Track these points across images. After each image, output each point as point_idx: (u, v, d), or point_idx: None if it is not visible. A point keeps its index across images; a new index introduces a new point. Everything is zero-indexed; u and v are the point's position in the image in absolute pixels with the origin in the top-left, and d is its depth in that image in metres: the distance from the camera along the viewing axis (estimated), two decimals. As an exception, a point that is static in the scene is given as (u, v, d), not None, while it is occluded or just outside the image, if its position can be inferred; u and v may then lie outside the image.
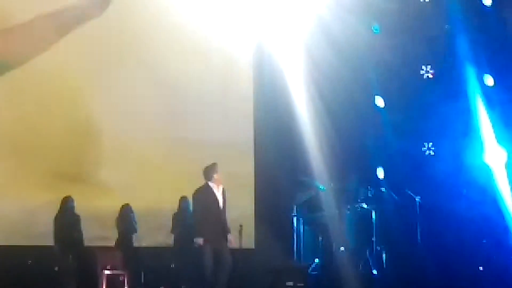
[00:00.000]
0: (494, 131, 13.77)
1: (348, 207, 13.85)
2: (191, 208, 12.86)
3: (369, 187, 13.99)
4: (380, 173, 14.60)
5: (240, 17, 15.52)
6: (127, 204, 13.99)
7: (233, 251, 12.40)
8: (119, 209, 14.05)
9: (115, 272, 13.47)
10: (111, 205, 14.33)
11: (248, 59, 15.70)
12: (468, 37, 14.01)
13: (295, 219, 14.15)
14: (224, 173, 12.65)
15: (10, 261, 13.89)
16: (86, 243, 13.81)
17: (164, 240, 14.45)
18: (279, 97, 15.06)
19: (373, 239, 13.44)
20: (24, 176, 14.71)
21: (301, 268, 13.35)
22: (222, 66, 15.44)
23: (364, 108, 14.73)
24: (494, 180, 13.50)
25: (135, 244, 14.04)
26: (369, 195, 13.94)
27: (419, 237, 13.41)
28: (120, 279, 13.42)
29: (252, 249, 14.75)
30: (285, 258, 13.99)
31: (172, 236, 14.00)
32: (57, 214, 13.56)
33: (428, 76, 14.57)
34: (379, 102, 14.82)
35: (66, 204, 13.58)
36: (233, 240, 12.25)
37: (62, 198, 13.69)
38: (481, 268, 12.81)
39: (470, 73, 14.05)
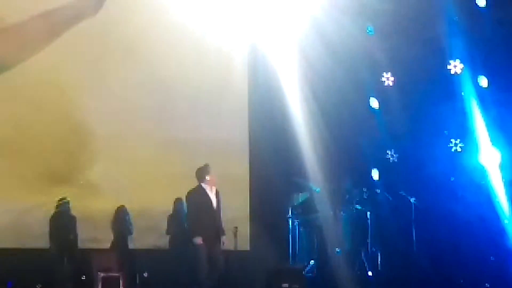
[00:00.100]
0: (488, 132, 13.79)
1: (343, 208, 13.85)
2: (185, 209, 12.87)
3: (364, 188, 14.01)
4: (375, 174, 14.63)
5: (235, 18, 15.52)
6: (122, 206, 13.98)
7: (228, 252, 12.43)
8: (110, 211, 14.04)
9: (111, 274, 13.45)
10: (103, 207, 14.33)
11: (243, 59, 15.68)
12: (462, 38, 14.04)
13: (290, 220, 14.14)
14: (219, 175, 12.67)
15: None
16: (79, 244, 13.82)
17: (156, 241, 14.45)
18: (274, 98, 15.07)
19: (368, 240, 13.46)
20: (14, 177, 14.66)
21: (296, 270, 13.32)
22: (216, 66, 15.39)
23: (359, 109, 14.75)
24: (489, 181, 13.52)
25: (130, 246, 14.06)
26: (364, 196, 13.97)
27: (414, 239, 13.42)
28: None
29: (247, 250, 14.73)
30: (280, 260, 13.98)
31: (167, 238, 14.00)
32: (52, 216, 13.55)
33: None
34: (374, 103, 14.85)
35: (62, 206, 13.57)
36: (228, 242, 12.25)
37: (52, 199, 13.70)
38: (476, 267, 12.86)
39: (465, 74, 14.08)
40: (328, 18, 14.69)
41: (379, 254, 13.48)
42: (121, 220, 13.90)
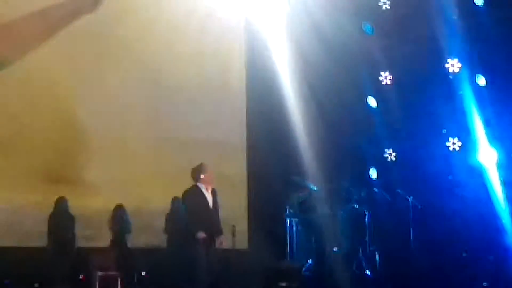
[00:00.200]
0: (486, 131, 13.80)
1: (341, 207, 13.86)
2: (183, 208, 12.85)
3: (362, 187, 14.02)
4: (373, 173, 14.65)
5: (232, 17, 15.54)
6: (121, 205, 13.95)
7: (226, 251, 12.40)
8: (106, 209, 14.00)
9: (109, 273, 13.44)
10: (98, 205, 14.29)
11: (241, 58, 15.69)
12: (460, 37, 14.05)
13: (288, 219, 14.15)
14: (217, 174, 12.65)
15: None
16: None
17: (151, 240, 14.44)
18: (272, 97, 15.07)
19: (366, 239, 13.48)
20: (10, 175, 14.58)
21: (294, 269, 13.35)
22: (214, 65, 15.41)
23: (357, 108, 14.76)
24: (487, 179, 13.52)
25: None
26: (362, 195, 13.98)
27: (412, 237, 13.43)
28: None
29: (245, 249, 14.73)
30: (278, 259, 13.99)
31: (162, 237, 13.98)
32: (51, 215, 13.54)
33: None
34: (372, 102, 14.86)
35: (61, 205, 13.57)
36: (226, 241, 12.24)
37: (47, 198, 13.67)
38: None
39: (463, 73, 14.09)
40: (326, 17, 14.70)
41: (377, 253, 13.48)
42: (119, 219, 13.87)
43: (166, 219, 13.96)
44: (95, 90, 15.03)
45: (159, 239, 14.14)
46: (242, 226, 14.72)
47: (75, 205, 13.95)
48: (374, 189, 14.12)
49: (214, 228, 11.87)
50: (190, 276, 12.02)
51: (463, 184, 13.64)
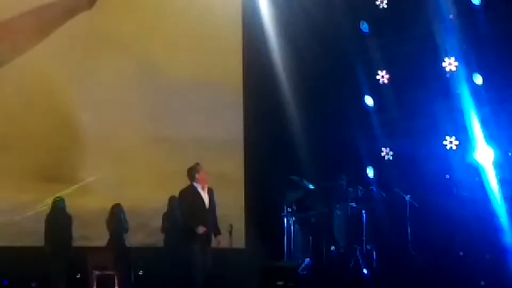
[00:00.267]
0: (483, 130, 13.80)
1: (338, 206, 13.85)
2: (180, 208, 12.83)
3: (359, 186, 14.01)
4: (370, 172, 14.65)
5: (229, 15, 15.54)
6: (118, 204, 13.93)
7: (224, 250, 12.39)
8: (101, 208, 14.00)
9: (106, 272, 13.43)
10: (94, 204, 14.31)
11: (238, 57, 15.68)
12: (457, 36, 14.05)
13: (285, 218, 14.13)
14: (214, 172, 12.64)
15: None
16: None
17: (146, 239, 14.42)
18: (269, 96, 15.08)
19: (363, 238, 13.44)
20: (5, 175, 14.59)
21: (291, 268, 13.32)
22: (211, 64, 15.41)
23: (354, 107, 14.76)
24: (484, 178, 13.52)
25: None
26: (359, 194, 13.96)
27: (409, 236, 13.41)
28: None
29: (242, 248, 14.74)
30: (276, 258, 13.97)
31: (157, 236, 13.99)
32: (48, 215, 13.53)
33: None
34: (369, 101, 14.86)
35: (58, 204, 13.56)
36: (223, 240, 12.23)
37: (43, 197, 13.68)
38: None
39: (460, 72, 14.09)
40: (323, 16, 14.71)
41: (374, 252, 13.45)
42: (117, 218, 13.86)
43: (163, 218, 13.95)
44: (91, 89, 15.03)
45: (154, 238, 14.14)
46: (239, 225, 14.72)
47: (70, 204, 13.93)
48: (371, 188, 14.09)
49: (211, 227, 11.85)
50: (187, 275, 12.01)
51: (460, 183, 13.64)
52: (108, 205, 13.96)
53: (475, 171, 13.65)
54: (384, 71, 14.80)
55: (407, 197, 13.58)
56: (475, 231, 12.94)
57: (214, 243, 11.90)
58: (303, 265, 13.47)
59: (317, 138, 14.70)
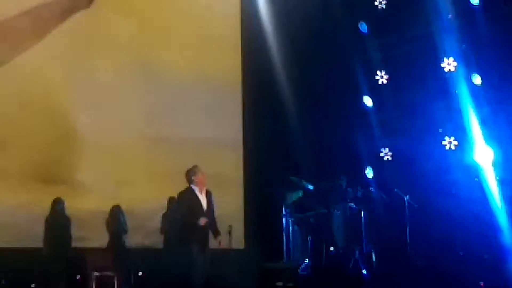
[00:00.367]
0: (482, 130, 13.80)
1: (337, 206, 13.85)
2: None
3: (358, 186, 14.03)
4: (369, 172, 14.66)
5: (228, 15, 15.55)
6: (117, 205, 13.93)
7: (223, 251, 12.40)
8: (98, 209, 13.98)
9: (105, 273, 13.43)
10: (90, 205, 14.29)
11: (237, 56, 15.69)
12: (456, 36, 14.05)
13: (284, 219, 14.14)
14: (213, 173, 12.65)
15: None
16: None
17: (144, 240, 14.43)
18: (268, 96, 15.10)
19: (362, 238, 13.44)
20: (3, 176, 14.51)
21: (290, 268, 13.33)
22: (210, 64, 15.41)
23: (353, 107, 14.78)
24: (483, 178, 13.53)
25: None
26: (358, 194, 13.98)
27: (408, 236, 13.41)
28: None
29: (241, 249, 14.74)
30: (275, 258, 13.98)
31: (155, 237, 13.99)
32: (47, 216, 13.52)
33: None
34: (368, 101, 14.87)
35: (57, 206, 13.56)
36: (222, 241, 12.24)
37: (41, 199, 13.66)
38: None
39: (459, 72, 14.10)
40: (322, 16, 14.72)
41: (373, 252, 13.46)
42: (116, 219, 13.85)
43: (162, 219, 13.95)
44: (88, 89, 14.96)
45: (152, 240, 14.14)
46: (239, 225, 14.69)
47: (67, 205, 13.91)
48: (371, 188, 14.11)
49: (210, 229, 11.87)
50: (186, 276, 12.01)
51: (460, 183, 13.64)
52: (105, 206, 13.94)
53: (474, 171, 13.65)
54: (383, 71, 14.82)
55: (406, 198, 13.58)
56: (474, 231, 12.95)
57: (214, 244, 11.90)
58: (302, 266, 13.49)
59: (316, 138, 14.72)
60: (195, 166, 11.98)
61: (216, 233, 11.91)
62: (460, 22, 14.03)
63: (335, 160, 14.39)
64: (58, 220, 13.50)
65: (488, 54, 13.78)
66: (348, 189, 14.06)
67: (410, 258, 13.16)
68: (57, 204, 13.59)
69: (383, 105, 14.69)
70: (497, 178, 13.52)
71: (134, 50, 15.18)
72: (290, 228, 14.07)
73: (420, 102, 14.16)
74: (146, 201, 14.46)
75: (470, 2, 14.03)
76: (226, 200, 13.84)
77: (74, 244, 13.71)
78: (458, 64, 14.15)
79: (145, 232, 14.46)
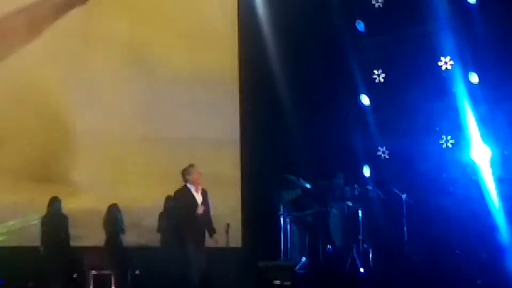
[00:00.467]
0: (479, 129, 13.81)
1: (335, 205, 13.86)
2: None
3: (355, 185, 14.03)
4: (366, 171, 14.66)
5: (225, 13, 15.54)
6: (115, 204, 13.91)
7: (220, 249, 12.40)
8: (94, 208, 14.00)
9: (102, 272, 13.42)
10: (87, 205, 14.29)
11: (234, 55, 15.68)
12: (453, 34, 14.06)
13: (281, 217, 14.13)
14: (210, 172, 12.64)
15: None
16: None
17: (141, 239, 14.41)
18: (265, 95, 15.10)
19: (360, 237, 13.44)
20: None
21: (288, 267, 13.34)
22: (207, 62, 15.39)
23: (350, 106, 14.77)
24: (480, 177, 13.54)
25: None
26: (355, 193, 14.00)
27: (405, 235, 13.41)
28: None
29: (239, 247, 14.74)
30: (272, 257, 13.98)
31: (151, 235, 13.98)
32: (44, 215, 13.52)
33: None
34: (365, 100, 14.87)
35: (54, 205, 13.55)
36: (219, 239, 12.24)
37: (37, 198, 13.65)
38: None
39: (456, 70, 14.11)
40: (319, 15, 14.72)
41: (370, 251, 13.47)
42: (113, 218, 13.83)
43: (159, 218, 13.94)
44: (84, 88, 14.97)
45: (149, 238, 14.12)
46: (236, 224, 14.69)
47: (64, 204, 13.88)
48: (368, 186, 14.10)
49: (206, 228, 11.87)
50: (183, 274, 12.02)
51: (457, 182, 13.63)
52: (101, 205, 13.93)
53: (471, 169, 13.66)
54: (380, 70, 14.81)
55: (404, 196, 13.58)
56: (471, 230, 12.95)
57: (211, 242, 11.90)
58: (299, 264, 13.49)
59: (313, 137, 14.72)
60: (191, 165, 12.00)
61: (212, 231, 11.92)
62: (457, 21, 14.03)
63: (332, 159, 14.39)
64: (55, 219, 13.50)
65: (485, 53, 13.78)
66: (345, 187, 14.07)
67: (407, 257, 13.15)
68: (54, 203, 13.59)
69: (380, 103, 14.69)
70: (494, 176, 13.53)
71: (130, 47, 15.16)
72: (288, 226, 14.06)
73: (417, 100, 14.16)
74: (143, 199, 14.46)
75: (466, 1, 14.04)
76: (223, 199, 13.87)
77: (71, 242, 13.71)
78: (455, 62, 14.14)
79: (142, 231, 14.44)
